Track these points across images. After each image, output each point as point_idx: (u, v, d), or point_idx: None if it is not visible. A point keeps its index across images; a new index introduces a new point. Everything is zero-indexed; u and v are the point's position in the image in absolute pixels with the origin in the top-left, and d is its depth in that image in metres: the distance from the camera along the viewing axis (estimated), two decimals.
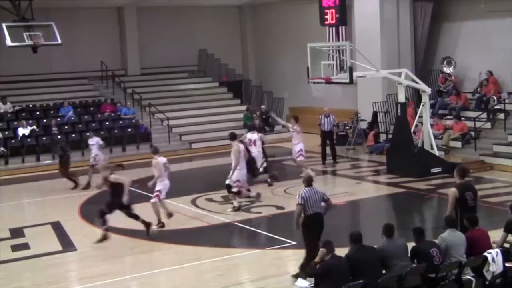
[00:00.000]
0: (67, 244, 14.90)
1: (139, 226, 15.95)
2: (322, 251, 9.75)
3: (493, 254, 9.96)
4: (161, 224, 15.56)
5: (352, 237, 9.94)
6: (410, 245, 10.17)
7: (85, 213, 17.72)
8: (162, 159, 15.84)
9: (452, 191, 11.28)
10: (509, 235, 10.80)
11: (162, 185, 15.66)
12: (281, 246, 14.07)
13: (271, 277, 12.21)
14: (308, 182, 11.68)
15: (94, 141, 20.89)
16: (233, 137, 17.43)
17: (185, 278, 12.50)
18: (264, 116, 29.20)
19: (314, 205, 11.45)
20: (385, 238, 10.07)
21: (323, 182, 20.72)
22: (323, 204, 11.66)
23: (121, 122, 27.82)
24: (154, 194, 15.65)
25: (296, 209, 11.58)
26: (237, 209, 16.99)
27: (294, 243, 14.19)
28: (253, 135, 19.40)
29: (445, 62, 25.23)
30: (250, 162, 18.06)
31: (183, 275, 12.66)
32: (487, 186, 18.34)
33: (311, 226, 11.46)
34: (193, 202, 18.18)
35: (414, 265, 9.90)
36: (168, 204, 17.89)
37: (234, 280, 12.37)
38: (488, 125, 22.77)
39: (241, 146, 17.27)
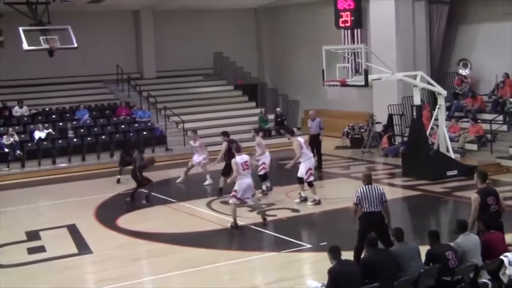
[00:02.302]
0: (82, 247, 14.94)
1: (154, 229, 16.03)
2: (328, 257, 9.68)
3: (510, 258, 9.92)
4: None
5: (368, 241, 9.93)
6: (426, 248, 10.13)
7: (101, 216, 17.78)
8: None
9: (475, 197, 11.18)
10: None
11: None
12: (296, 249, 14.07)
13: (287, 279, 12.22)
14: (367, 180, 11.77)
15: None
16: (291, 132, 19.46)
17: (201, 280, 12.51)
18: (279, 119, 29.21)
19: (371, 203, 11.49)
20: (396, 242, 10.04)
21: (338, 184, 20.67)
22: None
23: (136, 125, 27.91)
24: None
25: (352, 209, 11.79)
26: (316, 201, 17.82)
27: (309, 245, 14.23)
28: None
29: (461, 64, 25.14)
30: None
31: (200, 277, 12.66)
32: (504, 189, 18.17)
33: (365, 224, 11.42)
34: (209, 205, 18.19)
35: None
36: (185, 207, 18.03)
37: (250, 283, 12.37)
38: (505, 127, 22.66)
39: (301, 140, 18.08)
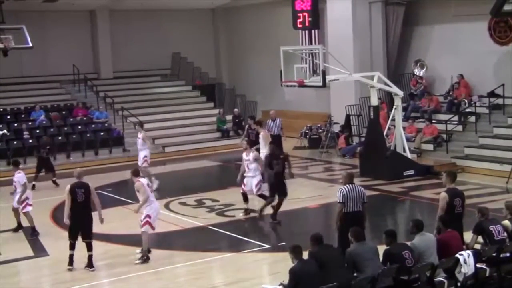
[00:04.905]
0: (39, 250, 14.77)
1: (111, 230, 15.88)
2: (290, 256, 9.70)
3: (465, 256, 10.06)
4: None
5: (313, 238, 10.02)
6: (383, 248, 10.22)
7: (57, 218, 17.55)
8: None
9: (443, 196, 11.35)
10: (479, 236, 10.91)
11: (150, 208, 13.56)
12: (255, 249, 14.10)
13: (246, 280, 12.23)
14: (350, 179, 11.74)
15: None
16: (260, 124, 20.14)
17: (160, 282, 12.48)
18: (237, 120, 29.20)
19: (355, 203, 11.45)
20: (355, 242, 10.11)
21: (297, 185, 20.74)
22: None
23: (93, 126, 27.64)
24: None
25: (337, 208, 11.60)
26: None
27: (268, 246, 14.26)
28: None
29: (417, 64, 25.42)
30: None
31: (158, 279, 12.63)
32: (459, 189, 18.47)
33: (348, 225, 10.99)
34: (167, 206, 18.10)
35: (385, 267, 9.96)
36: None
37: (209, 284, 12.36)
38: (460, 128, 22.98)
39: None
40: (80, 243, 13.36)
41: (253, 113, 30.84)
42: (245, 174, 16.56)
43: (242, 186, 16.75)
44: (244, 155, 16.73)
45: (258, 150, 18.15)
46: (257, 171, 16.43)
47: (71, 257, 13.12)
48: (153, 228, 13.51)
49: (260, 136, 19.35)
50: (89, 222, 13.14)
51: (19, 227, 16.40)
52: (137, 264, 13.33)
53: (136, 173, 13.92)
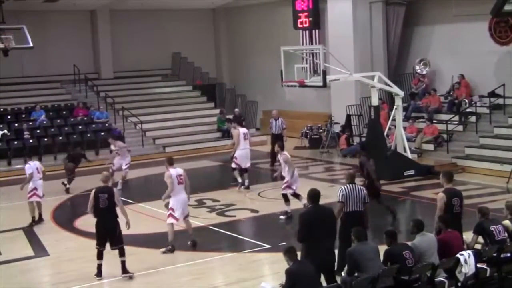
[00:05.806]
0: (39, 250, 14.77)
1: None
2: (284, 258, 9.67)
3: (466, 256, 10.06)
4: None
5: (310, 196, 10.40)
6: (383, 248, 10.21)
7: (58, 218, 17.58)
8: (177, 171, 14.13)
9: (440, 196, 11.34)
10: (480, 236, 10.91)
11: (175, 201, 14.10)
12: (256, 249, 14.10)
13: (246, 280, 12.23)
14: (351, 179, 11.72)
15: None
16: (239, 123, 20.68)
17: (161, 282, 12.46)
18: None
19: (354, 203, 11.41)
20: (356, 242, 10.10)
21: None
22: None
23: (94, 126, 27.63)
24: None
25: (337, 207, 11.53)
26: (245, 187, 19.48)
27: (268, 246, 14.24)
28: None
29: (421, 63, 25.41)
30: None
31: (159, 279, 12.61)
32: (459, 189, 18.36)
33: (348, 224, 11.01)
34: (167, 206, 18.04)
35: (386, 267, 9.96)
36: (144, 208, 17.88)
37: (210, 284, 12.35)
38: (460, 127, 22.98)
39: (242, 131, 19.71)
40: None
41: (253, 113, 30.97)
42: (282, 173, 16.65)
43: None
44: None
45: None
46: (286, 172, 16.35)
47: (99, 267, 12.66)
48: (176, 219, 14.10)
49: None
50: (115, 227, 12.70)
51: (40, 218, 16.93)
52: (163, 254, 13.92)
53: (170, 161, 14.23)
